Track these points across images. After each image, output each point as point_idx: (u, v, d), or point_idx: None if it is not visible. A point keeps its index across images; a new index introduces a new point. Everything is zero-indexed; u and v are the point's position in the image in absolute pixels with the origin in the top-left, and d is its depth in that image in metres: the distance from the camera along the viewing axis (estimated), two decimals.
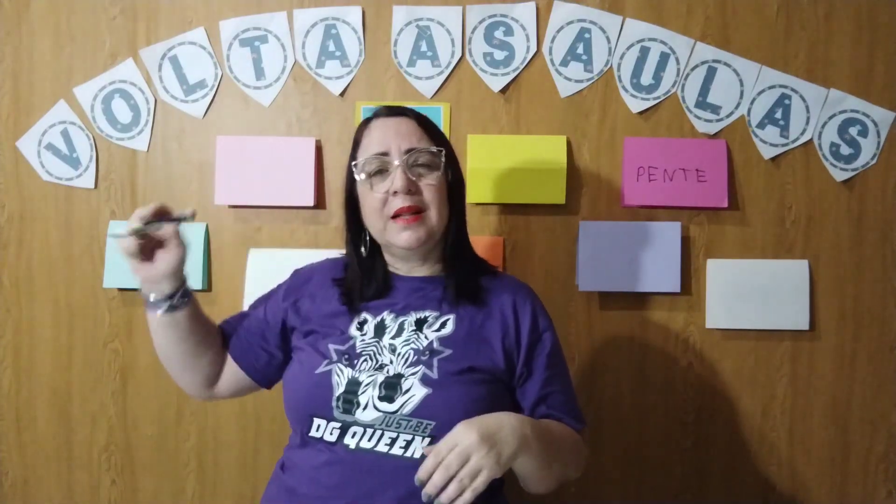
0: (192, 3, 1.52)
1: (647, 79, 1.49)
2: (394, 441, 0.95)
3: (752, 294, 1.48)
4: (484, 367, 1.01)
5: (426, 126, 1.09)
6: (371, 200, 1.05)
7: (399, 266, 1.11)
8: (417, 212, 1.03)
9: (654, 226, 1.47)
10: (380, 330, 1.04)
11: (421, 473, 0.85)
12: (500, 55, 1.49)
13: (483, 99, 1.50)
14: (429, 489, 0.84)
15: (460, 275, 1.09)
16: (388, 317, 1.05)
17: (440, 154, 1.06)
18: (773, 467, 1.50)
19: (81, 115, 1.53)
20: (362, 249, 1.11)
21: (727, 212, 1.50)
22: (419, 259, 1.10)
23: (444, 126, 1.49)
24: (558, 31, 1.49)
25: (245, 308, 1.47)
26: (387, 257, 1.12)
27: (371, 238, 1.11)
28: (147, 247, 0.99)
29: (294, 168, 1.49)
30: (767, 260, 1.49)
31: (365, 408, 0.96)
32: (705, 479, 1.50)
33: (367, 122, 1.10)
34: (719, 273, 1.49)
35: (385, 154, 1.04)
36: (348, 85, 1.51)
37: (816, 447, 1.50)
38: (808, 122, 1.49)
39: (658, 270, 1.47)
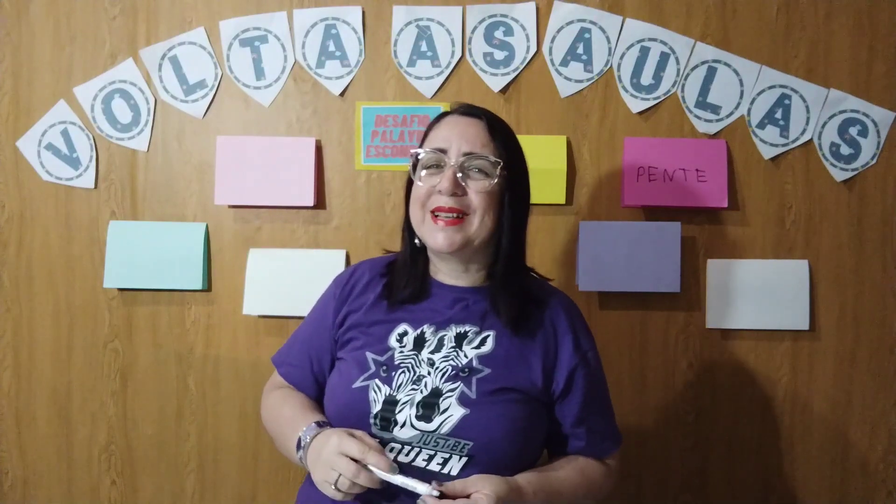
0: (192, 3, 1.52)
1: (647, 79, 1.49)
2: (431, 458, 0.95)
3: (752, 294, 1.48)
4: (522, 387, 1.00)
5: (495, 132, 1.04)
6: (418, 191, 1.03)
7: (441, 268, 1.08)
8: (459, 215, 1.00)
9: (654, 226, 1.47)
10: (419, 343, 1.02)
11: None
12: (500, 55, 1.49)
13: (483, 99, 1.50)
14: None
15: (506, 291, 1.04)
16: (427, 330, 1.03)
17: (497, 165, 1.02)
18: (773, 467, 1.50)
19: (81, 115, 1.53)
20: (416, 241, 1.07)
21: (727, 212, 1.50)
22: (460, 264, 1.06)
23: None
24: (558, 31, 1.49)
25: (245, 309, 1.48)
26: (430, 258, 1.10)
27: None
28: None
29: (294, 168, 1.49)
30: (767, 260, 1.49)
31: (402, 426, 0.95)
32: (705, 479, 1.50)
33: (442, 115, 1.08)
34: (719, 273, 1.49)
35: (443, 151, 1.02)
36: (348, 85, 1.51)
37: (816, 447, 1.50)
38: (808, 122, 1.49)
39: (658, 270, 1.47)
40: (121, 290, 1.53)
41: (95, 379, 1.54)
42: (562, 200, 1.48)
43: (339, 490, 0.88)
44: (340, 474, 0.87)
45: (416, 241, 1.07)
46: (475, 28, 1.49)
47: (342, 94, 1.51)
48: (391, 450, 0.95)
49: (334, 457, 0.88)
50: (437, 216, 1.01)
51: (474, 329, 1.03)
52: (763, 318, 1.48)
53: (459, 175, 1.00)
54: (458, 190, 1.00)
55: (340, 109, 1.51)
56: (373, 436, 0.95)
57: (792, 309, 1.48)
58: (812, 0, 1.49)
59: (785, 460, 1.50)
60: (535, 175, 1.47)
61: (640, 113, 1.50)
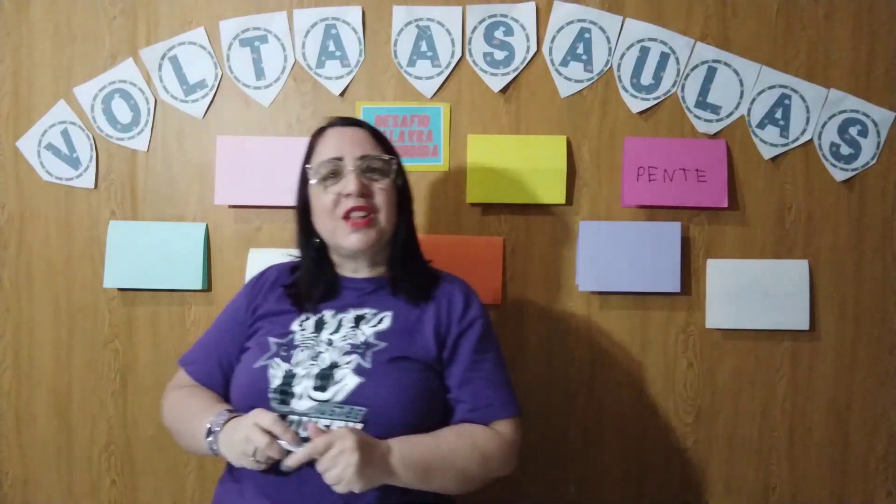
0: (192, 3, 1.52)
1: (647, 79, 1.49)
2: (328, 427, 0.98)
3: (752, 294, 1.48)
4: (417, 356, 1.06)
5: (378, 137, 1.16)
6: (323, 202, 1.10)
7: (346, 266, 1.16)
8: (368, 213, 1.09)
9: (654, 226, 1.47)
10: (319, 326, 1.09)
11: (290, 460, 0.93)
12: (500, 55, 1.49)
13: (483, 99, 1.50)
14: (290, 464, 0.93)
15: (405, 275, 1.14)
16: (327, 314, 1.11)
17: (391, 161, 1.13)
18: (773, 467, 1.50)
19: (81, 115, 1.53)
20: (311, 252, 1.17)
21: (727, 212, 1.50)
22: (367, 260, 1.15)
23: (444, 126, 1.49)
24: (558, 31, 1.49)
25: None
26: (334, 258, 1.17)
27: (321, 241, 1.16)
28: None
29: (294, 168, 1.48)
30: (767, 260, 1.49)
31: (300, 398, 1.00)
32: (705, 479, 1.50)
33: (321, 130, 1.17)
34: (719, 273, 1.49)
35: (339, 159, 1.10)
36: (348, 85, 1.51)
37: (816, 447, 1.50)
38: (808, 122, 1.49)
39: (658, 270, 1.47)
40: (121, 290, 1.53)
41: (95, 379, 1.54)
42: (562, 200, 1.48)
43: (258, 461, 0.95)
44: (261, 453, 0.94)
45: (313, 252, 1.16)
46: (475, 28, 1.49)
47: (342, 94, 1.51)
48: (290, 423, 0.99)
49: (250, 428, 0.94)
50: (347, 219, 1.09)
51: (372, 311, 1.11)
52: (763, 318, 1.48)
53: (361, 177, 1.09)
54: (364, 190, 1.09)
55: (340, 109, 1.51)
56: (272, 410, 1.00)
57: (792, 309, 1.48)
58: (812, 0, 1.49)
59: (785, 460, 1.50)
60: (535, 175, 1.49)
61: (640, 113, 1.50)
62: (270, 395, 1.01)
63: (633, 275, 1.47)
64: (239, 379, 1.08)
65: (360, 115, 1.49)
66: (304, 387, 1.01)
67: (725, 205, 1.48)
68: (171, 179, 1.53)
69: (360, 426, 0.98)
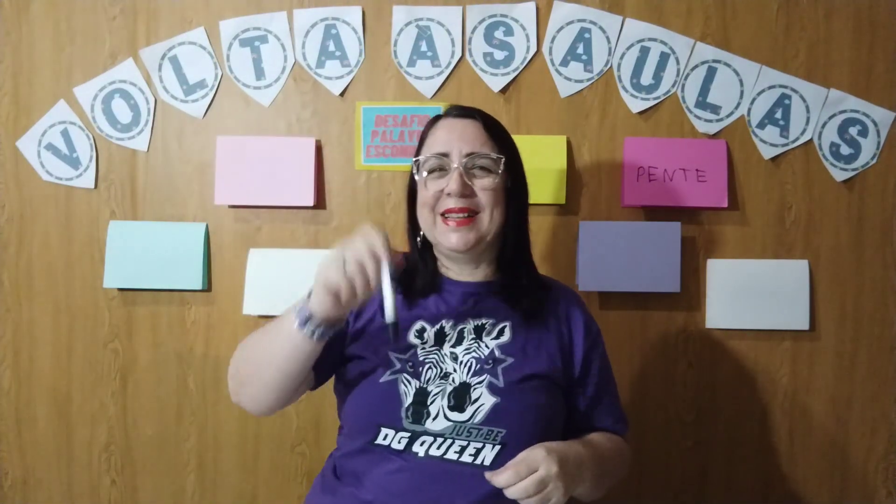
0: (192, 3, 1.52)
1: (647, 79, 1.49)
2: (463, 449, 0.95)
3: (752, 294, 1.48)
4: (543, 373, 1.03)
5: (491, 130, 1.08)
6: (425, 196, 1.05)
7: (450, 266, 1.11)
8: (470, 214, 1.03)
9: (654, 226, 1.47)
10: (440, 338, 1.04)
11: (496, 480, 0.87)
12: (500, 55, 1.49)
13: (483, 99, 1.50)
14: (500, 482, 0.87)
15: (515, 283, 1.09)
16: (446, 325, 1.05)
17: (499, 161, 1.06)
18: (773, 467, 1.50)
19: (81, 115, 1.53)
20: (417, 241, 1.11)
21: (727, 212, 1.50)
22: (470, 262, 1.09)
23: None
24: (558, 31, 1.49)
25: (245, 309, 1.48)
26: (438, 257, 1.12)
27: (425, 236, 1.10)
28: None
29: (294, 168, 1.49)
30: (767, 260, 1.49)
31: (435, 418, 0.96)
32: (705, 479, 1.51)
33: (435, 119, 1.11)
34: (719, 273, 1.49)
35: (445, 155, 1.05)
36: (348, 85, 1.51)
37: (816, 447, 1.50)
38: (808, 122, 1.49)
39: (658, 270, 1.47)
40: (121, 290, 1.53)
41: (95, 379, 1.54)
42: (562, 200, 1.48)
43: (343, 271, 0.87)
44: (352, 258, 0.87)
45: (418, 239, 1.10)
46: (475, 28, 1.49)
47: (342, 94, 1.51)
48: (423, 443, 0.95)
49: (353, 241, 0.89)
50: (447, 218, 1.03)
51: (490, 321, 1.05)
52: (763, 318, 1.48)
53: (465, 175, 1.03)
54: (466, 191, 1.03)
55: (340, 109, 1.51)
56: (404, 429, 0.96)
57: (792, 309, 1.48)
58: (812, 0, 1.49)
59: (785, 460, 1.50)
60: (535, 175, 1.48)
61: (640, 113, 1.50)
62: (403, 414, 0.96)
63: (632, 275, 1.47)
64: (365, 393, 1.00)
65: (359, 115, 1.49)
66: (438, 406, 0.96)
67: (725, 205, 1.48)
68: (171, 179, 1.53)
69: (497, 448, 0.95)
